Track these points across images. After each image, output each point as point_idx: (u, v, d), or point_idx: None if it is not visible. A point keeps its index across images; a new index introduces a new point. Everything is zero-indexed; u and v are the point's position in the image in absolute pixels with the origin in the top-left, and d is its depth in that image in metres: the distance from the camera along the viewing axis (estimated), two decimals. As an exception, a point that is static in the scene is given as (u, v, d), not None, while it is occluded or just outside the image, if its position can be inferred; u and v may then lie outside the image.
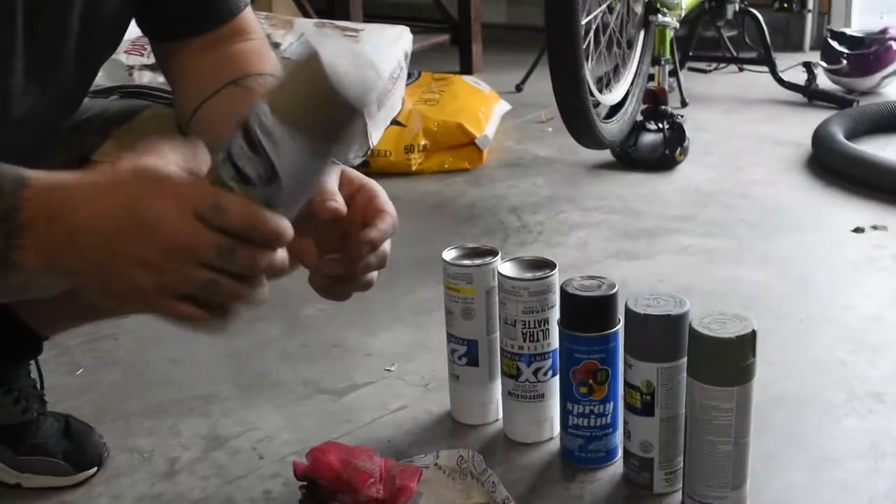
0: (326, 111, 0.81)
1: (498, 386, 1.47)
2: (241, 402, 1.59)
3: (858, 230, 2.22)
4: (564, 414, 1.37)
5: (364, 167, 2.72)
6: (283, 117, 0.80)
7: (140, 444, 1.48)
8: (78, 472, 1.38)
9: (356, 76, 0.80)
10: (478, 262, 1.42)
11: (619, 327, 1.32)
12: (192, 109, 1.12)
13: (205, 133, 1.07)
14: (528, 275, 1.37)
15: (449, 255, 1.44)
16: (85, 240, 0.84)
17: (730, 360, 1.18)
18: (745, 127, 3.10)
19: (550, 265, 1.39)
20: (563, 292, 1.33)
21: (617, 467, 1.37)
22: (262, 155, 0.81)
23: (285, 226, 0.85)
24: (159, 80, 1.52)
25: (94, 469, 1.39)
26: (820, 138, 2.73)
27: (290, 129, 0.80)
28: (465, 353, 1.45)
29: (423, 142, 2.75)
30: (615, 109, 2.73)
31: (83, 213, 0.84)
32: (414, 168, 2.75)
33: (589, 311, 1.32)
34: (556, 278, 1.37)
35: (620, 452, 1.36)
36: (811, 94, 3.34)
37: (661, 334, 1.24)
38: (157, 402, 1.60)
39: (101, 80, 1.27)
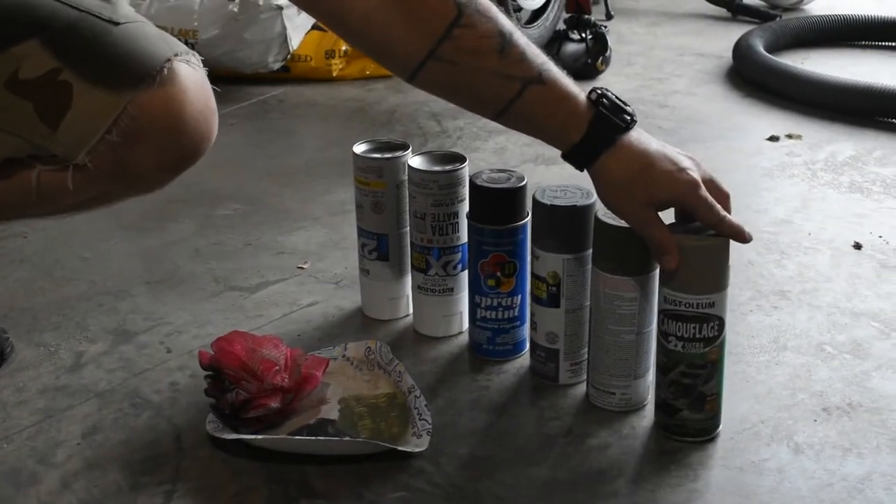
0: None
1: (408, 281, 1.47)
2: (150, 299, 1.57)
3: (773, 138, 2.25)
4: (473, 307, 1.38)
5: (284, 72, 2.69)
6: None
7: (46, 338, 1.46)
8: (-19, 366, 1.36)
9: None
10: (388, 155, 1.41)
11: (527, 220, 1.32)
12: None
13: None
14: (438, 168, 1.37)
15: (359, 148, 1.43)
16: None
17: (634, 250, 1.18)
18: (669, 40, 3.11)
19: (460, 158, 1.38)
20: (472, 185, 1.33)
21: (524, 360, 1.38)
22: None
23: None
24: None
25: (-2, 363, 1.38)
26: (740, 50, 2.75)
27: None
28: (376, 248, 1.45)
29: (344, 47, 2.72)
30: (536, 15, 2.72)
31: None
32: (335, 74, 2.72)
33: (497, 204, 1.32)
34: (466, 171, 1.37)
35: (528, 346, 1.37)
36: (735, 9, 3.35)
37: (568, 225, 1.25)
38: (65, 298, 1.57)
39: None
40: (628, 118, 1.15)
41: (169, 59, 1.20)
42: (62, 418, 1.28)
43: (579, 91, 1.17)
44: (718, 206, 1.15)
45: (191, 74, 1.23)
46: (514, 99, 1.14)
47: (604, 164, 1.15)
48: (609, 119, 1.15)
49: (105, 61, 1.20)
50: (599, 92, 1.16)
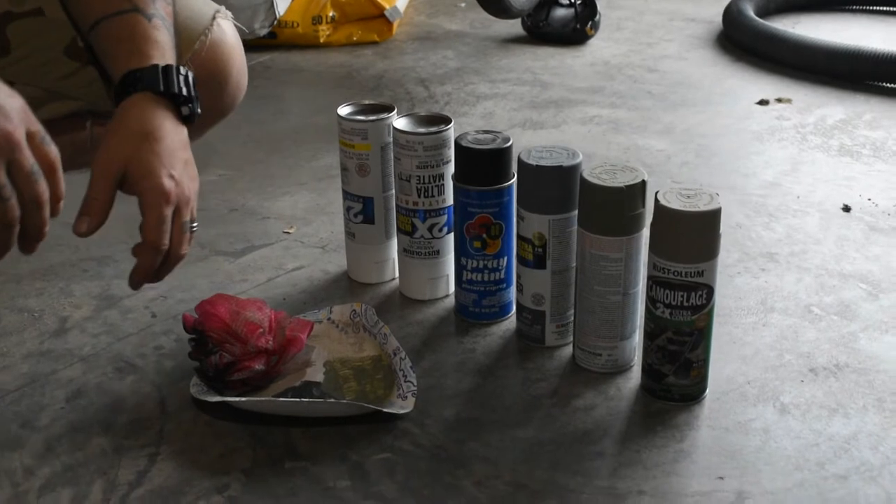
0: None
1: (394, 244, 1.46)
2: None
3: (763, 102, 2.24)
4: (459, 269, 1.37)
5: (271, 38, 2.67)
6: None
7: (30, 304, 1.45)
8: (-39, 332, 1.36)
9: None
10: (373, 117, 1.40)
11: (513, 182, 1.31)
12: (94, 21, 1.15)
13: (102, 49, 1.16)
14: (423, 129, 1.36)
15: (344, 110, 1.42)
16: None
17: (619, 210, 1.18)
18: (659, 5, 3.09)
19: (446, 120, 1.37)
20: (458, 146, 1.32)
21: (510, 322, 1.38)
22: None
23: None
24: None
25: (-21, 329, 1.37)
26: (730, 15, 2.73)
27: None
28: (361, 211, 1.44)
29: (331, 13, 2.70)
30: (526, -20, 2.70)
31: None
32: (322, 40, 2.70)
33: (483, 165, 1.31)
34: (452, 133, 1.36)
35: (514, 308, 1.37)
36: (725, -26, 3.32)
37: (553, 186, 1.24)
38: (48, 265, 1.56)
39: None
40: (179, 97, 1.14)
41: (214, 16, 1.25)
42: (46, 382, 1.27)
43: (171, 52, 1.17)
44: (164, 234, 1.12)
45: (232, 29, 1.30)
46: (112, 16, 1.15)
47: (125, 106, 1.12)
48: (158, 77, 1.13)
49: None
50: (185, 72, 1.15)
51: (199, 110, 1.17)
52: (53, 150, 1.00)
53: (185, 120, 1.16)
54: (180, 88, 1.13)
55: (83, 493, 1.08)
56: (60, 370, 1.30)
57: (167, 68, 1.13)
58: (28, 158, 0.97)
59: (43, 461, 1.13)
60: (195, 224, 1.15)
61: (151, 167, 1.09)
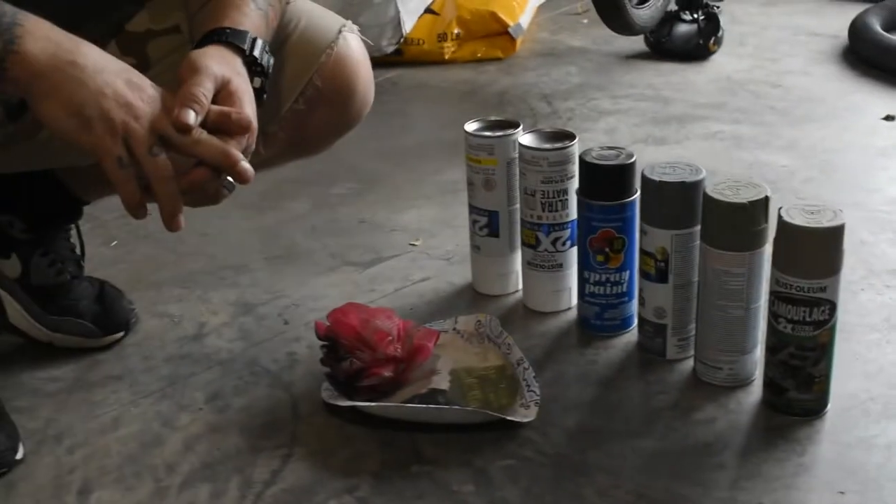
0: None
1: (518, 257, 1.49)
2: (269, 273, 1.63)
3: (889, 118, 2.22)
4: (581, 282, 1.40)
5: (397, 55, 2.73)
6: None
7: (170, 310, 1.52)
8: (105, 336, 1.42)
9: None
10: (499, 133, 1.44)
11: (636, 197, 1.33)
12: (203, 2, 1.19)
13: (198, 22, 1.18)
14: (548, 145, 1.39)
15: (471, 126, 1.46)
16: (80, 60, 0.98)
17: (742, 225, 1.19)
18: (783, 19, 3.07)
19: (570, 136, 1.40)
20: (582, 161, 1.34)
21: (632, 335, 1.40)
22: None
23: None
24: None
25: (122, 333, 1.44)
26: (856, 29, 2.70)
27: None
28: (486, 224, 1.48)
29: (456, 30, 2.75)
30: (647, -4, 2.71)
31: (84, 48, 0.99)
32: (447, 56, 2.75)
33: (606, 180, 1.33)
34: (576, 149, 1.39)
35: (636, 321, 1.39)
36: (852, -12, 3.28)
37: (676, 201, 1.26)
38: (187, 273, 1.64)
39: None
40: (257, 65, 1.13)
41: (339, 30, 1.28)
42: (186, 385, 1.34)
43: (263, 32, 1.17)
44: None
45: (358, 43, 1.33)
46: None
47: (203, 48, 1.10)
48: (246, 37, 1.12)
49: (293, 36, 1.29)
50: (268, 50, 1.15)
51: (266, 94, 1.15)
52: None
53: (255, 95, 1.13)
54: (261, 56, 1.13)
55: (221, 490, 1.14)
56: (199, 373, 1.36)
57: (255, 38, 1.13)
58: (145, 143, 0.99)
59: (182, 458, 1.19)
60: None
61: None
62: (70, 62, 0.97)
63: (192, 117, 1.01)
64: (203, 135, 1.02)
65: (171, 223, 1.06)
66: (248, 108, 1.07)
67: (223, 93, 1.06)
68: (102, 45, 1.23)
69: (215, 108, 1.04)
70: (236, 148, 1.05)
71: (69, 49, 0.98)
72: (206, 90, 1.03)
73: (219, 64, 1.07)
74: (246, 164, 1.04)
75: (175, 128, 1.00)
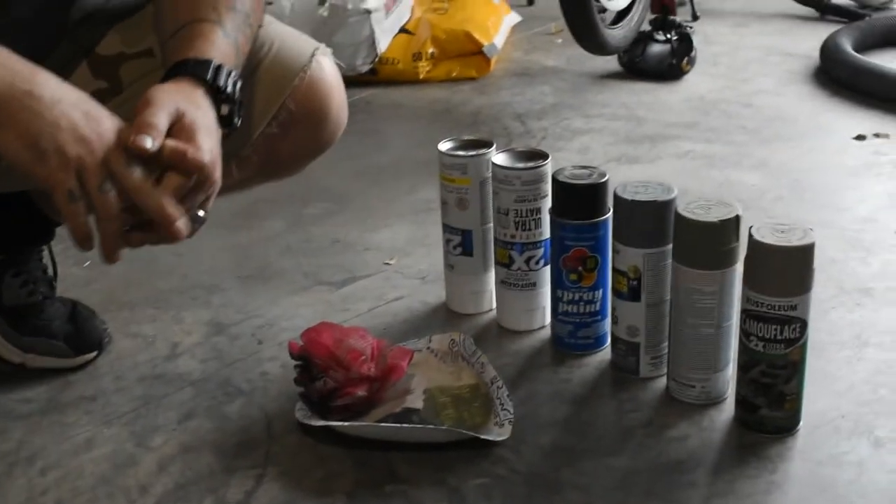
0: None
1: (492, 276, 1.50)
2: (242, 293, 1.63)
3: (860, 137, 2.24)
4: (555, 301, 1.40)
5: (372, 74, 2.74)
6: None
7: (143, 330, 1.52)
8: (77, 356, 1.42)
9: None
10: (472, 152, 1.44)
11: (609, 216, 1.34)
12: (172, 31, 1.16)
13: (170, 49, 1.15)
14: (521, 164, 1.40)
15: (444, 146, 1.47)
16: (36, 90, 0.98)
17: (713, 244, 1.20)
18: (755, 40, 3.10)
19: (543, 155, 1.41)
20: (555, 180, 1.35)
21: (605, 354, 1.40)
22: None
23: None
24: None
25: (94, 353, 1.43)
26: (828, 50, 2.73)
27: None
28: (460, 243, 1.48)
29: (430, 50, 2.76)
30: (621, 16, 2.73)
31: (40, 77, 0.99)
32: (421, 76, 2.76)
33: (579, 199, 1.34)
34: (549, 168, 1.40)
35: (609, 339, 1.39)
36: (824, 9, 3.32)
37: (649, 220, 1.27)
38: (160, 292, 1.64)
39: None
40: (223, 92, 1.11)
41: (313, 54, 1.28)
42: (159, 405, 1.33)
43: (232, 61, 1.15)
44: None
45: (332, 66, 1.33)
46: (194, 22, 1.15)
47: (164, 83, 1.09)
48: (209, 67, 1.10)
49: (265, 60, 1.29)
50: (234, 76, 1.13)
51: (238, 119, 1.14)
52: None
53: (223, 122, 1.12)
54: (225, 84, 1.11)
55: (194, 511, 1.14)
56: (172, 393, 1.36)
57: (219, 66, 1.11)
58: (96, 178, 0.98)
59: (156, 479, 1.19)
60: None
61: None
62: (27, 92, 0.97)
63: (148, 142, 0.99)
64: (147, 183, 1.01)
65: (107, 259, 1.05)
66: (206, 140, 1.05)
67: (177, 125, 1.04)
68: (73, 66, 1.22)
69: (171, 142, 1.02)
70: (184, 190, 1.03)
71: (26, 78, 0.98)
72: (159, 121, 1.02)
73: (175, 97, 1.05)
74: (180, 224, 1.03)
75: (131, 152, 0.99)
